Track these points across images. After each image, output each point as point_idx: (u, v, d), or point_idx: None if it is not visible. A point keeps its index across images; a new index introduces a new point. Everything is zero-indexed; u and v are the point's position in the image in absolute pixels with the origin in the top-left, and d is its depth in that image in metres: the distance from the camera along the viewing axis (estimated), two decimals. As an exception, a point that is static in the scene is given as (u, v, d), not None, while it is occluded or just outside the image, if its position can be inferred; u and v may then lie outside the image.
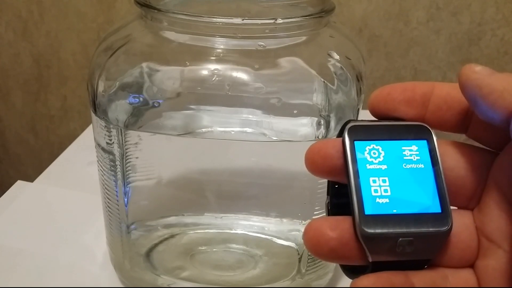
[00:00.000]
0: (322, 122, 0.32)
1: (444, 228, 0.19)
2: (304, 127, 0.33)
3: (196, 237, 0.40)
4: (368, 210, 0.19)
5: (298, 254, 0.38)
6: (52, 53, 0.82)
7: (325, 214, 0.23)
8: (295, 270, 0.38)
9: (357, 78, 0.33)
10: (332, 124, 0.32)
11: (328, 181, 0.23)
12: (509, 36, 0.68)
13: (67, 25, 0.79)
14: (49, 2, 0.78)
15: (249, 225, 0.40)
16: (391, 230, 0.19)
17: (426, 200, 0.19)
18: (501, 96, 0.17)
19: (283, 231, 0.40)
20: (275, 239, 0.40)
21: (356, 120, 0.21)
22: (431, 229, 0.19)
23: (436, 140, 0.20)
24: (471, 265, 0.20)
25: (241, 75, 0.32)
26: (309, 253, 0.37)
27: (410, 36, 0.70)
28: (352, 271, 0.21)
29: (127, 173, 0.36)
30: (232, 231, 0.40)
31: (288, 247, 0.39)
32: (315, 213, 0.35)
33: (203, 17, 0.30)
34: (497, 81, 0.18)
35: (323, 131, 0.32)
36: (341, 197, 0.20)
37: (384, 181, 0.20)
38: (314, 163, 0.20)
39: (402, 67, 0.73)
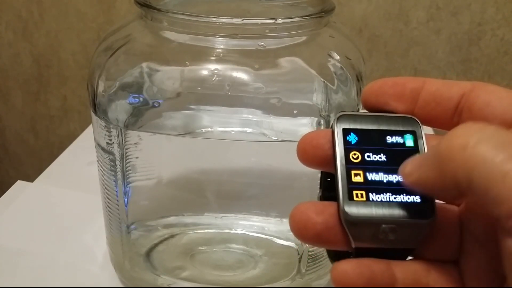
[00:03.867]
0: (322, 122, 0.32)
1: (428, 219, 0.19)
2: (304, 127, 0.33)
3: (196, 237, 0.40)
4: (353, 196, 0.19)
5: (298, 254, 0.38)
6: (52, 53, 0.82)
7: None
8: (295, 270, 0.38)
9: (357, 78, 0.33)
10: (332, 124, 0.32)
11: (321, 175, 0.23)
12: (509, 36, 0.68)
13: (67, 25, 0.79)
14: (49, 2, 0.78)
15: (249, 225, 0.40)
16: (374, 216, 0.19)
17: (412, 190, 0.19)
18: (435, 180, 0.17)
19: (283, 231, 0.40)
20: (275, 239, 0.40)
21: (348, 111, 0.21)
22: (414, 218, 0.19)
23: (424, 133, 0.21)
24: (455, 260, 0.20)
25: (241, 75, 0.32)
26: (309, 251, 0.37)
27: (410, 36, 0.70)
28: (338, 258, 0.21)
29: (127, 173, 0.36)
30: (232, 231, 0.40)
31: (288, 247, 0.39)
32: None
33: (203, 17, 0.30)
34: (428, 169, 0.18)
35: (323, 131, 0.32)
36: (333, 191, 0.20)
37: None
38: (306, 153, 0.21)
39: (402, 67, 0.73)
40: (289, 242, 0.39)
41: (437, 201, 0.20)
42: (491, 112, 0.19)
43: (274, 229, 0.40)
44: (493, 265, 0.18)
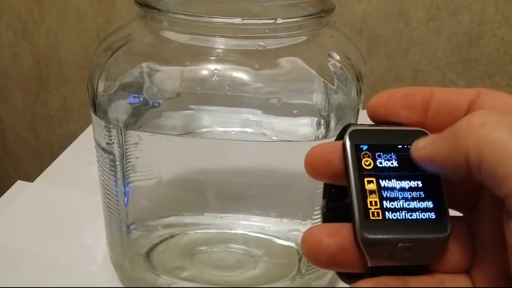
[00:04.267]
0: (322, 122, 0.32)
1: (443, 235, 0.19)
2: (304, 127, 0.33)
3: (196, 237, 0.40)
4: (369, 215, 0.19)
5: (298, 254, 0.38)
6: (52, 53, 0.82)
7: (320, 218, 0.23)
8: (295, 270, 0.38)
9: (357, 78, 0.33)
10: (332, 124, 0.32)
11: (325, 185, 0.23)
12: (509, 36, 0.68)
13: (67, 25, 0.79)
14: (49, 2, 0.78)
15: (249, 225, 0.40)
16: (391, 236, 0.19)
17: (426, 206, 0.19)
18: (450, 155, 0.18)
19: (283, 231, 0.40)
20: (275, 239, 0.40)
21: (356, 124, 0.20)
22: (430, 235, 0.19)
23: None
24: (468, 271, 0.20)
25: (241, 75, 0.32)
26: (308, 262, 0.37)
27: (410, 36, 0.70)
28: (349, 277, 0.21)
29: (127, 173, 0.36)
30: (232, 231, 0.40)
31: (288, 247, 0.39)
32: (315, 213, 0.35)
33: (203, 17, 0.30)
34: (442, 144, 0.18)
35: (323, 131, 0.32)
36: (336, 201, 0.20)
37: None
38: (316, 168, 0.20)
39: (402, 67, 0.73)
40: (289, 242, 0.39)
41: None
42: None
43: (274, 229, 0.40)
44: (506, 271, 0.18)
